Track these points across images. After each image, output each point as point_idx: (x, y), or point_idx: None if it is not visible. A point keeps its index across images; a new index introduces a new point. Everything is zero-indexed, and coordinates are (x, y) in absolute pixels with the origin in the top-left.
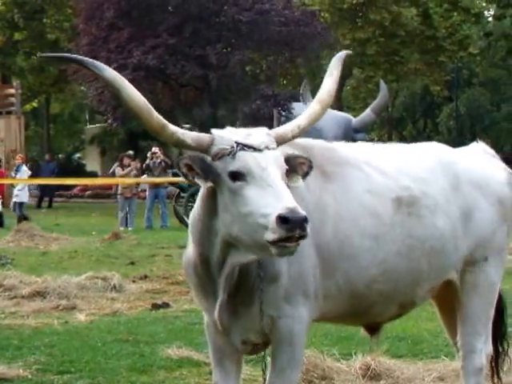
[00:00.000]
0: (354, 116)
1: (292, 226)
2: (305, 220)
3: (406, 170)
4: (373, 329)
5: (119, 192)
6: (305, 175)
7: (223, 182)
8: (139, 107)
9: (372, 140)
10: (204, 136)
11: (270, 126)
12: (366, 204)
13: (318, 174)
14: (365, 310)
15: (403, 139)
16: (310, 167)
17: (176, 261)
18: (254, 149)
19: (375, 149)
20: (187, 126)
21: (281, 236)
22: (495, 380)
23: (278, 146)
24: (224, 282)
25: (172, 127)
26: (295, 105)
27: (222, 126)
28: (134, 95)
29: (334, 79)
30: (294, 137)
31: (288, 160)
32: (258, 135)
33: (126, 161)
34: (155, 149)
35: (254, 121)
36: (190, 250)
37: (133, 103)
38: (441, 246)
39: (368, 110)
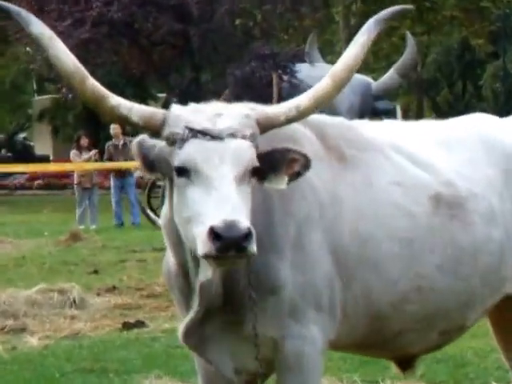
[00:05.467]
0: (375, 79)
1: (224, 244)
2: (244, 238)
3: (448, 160)
4: (405, 363)
5: (76, 181)
6: (294, 176)
7: (173, 175)
8: (68, 71)
9: (395, 109)
10: (157, 113)
11: (268, 95)
12: (395, 199)
13: (333, 159)
14: (391, 338)
15: (436, 106)
16: (305, 167)
17: (152, 267)
18: (212, 137)
19: (407, 129)
20: (162, 95)
21: (210, 253)
22: None
23: (262, 131)
24: (199, 296)
25: (115, 99)
26: (300, 66)
27: (206, 95)
28: (62, 56)
29: (358, 50)
30: (289, 120)
31: (272, 155)
32: (229, 116)
33: (84, 141)
34: (114, 126)
35: (247, 87)
36: (169, 258)
37: (60, 66)
38: (498, 262)
39: (391, 71)
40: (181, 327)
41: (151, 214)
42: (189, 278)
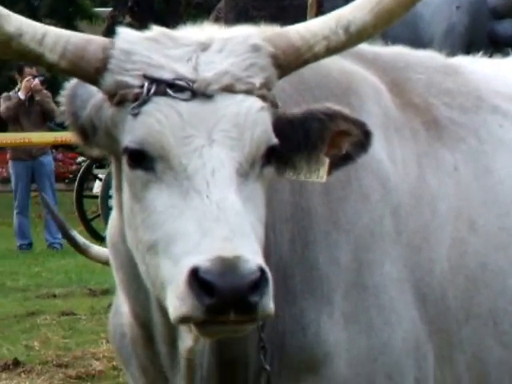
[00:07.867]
0: None
1: (220, 302)
2: (254, 288)
3: None
4: None
5: None
6: (342, 161)
7: (122, 161)
8: None
9: None
10: (91, 46)
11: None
12: None
13: (417, 127)
14: None
15: None
16: (362, 146)
17: (86, 325)
18: (193, 93)
19: None
20: (104, 10)
21: (194, 316)
22: None
23: (283, 73)
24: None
25: (14, 21)
26: None
27: (185, 12)
28: None
29: None
30: (331, 51)
31: (301, 123)
32: (222, 51)
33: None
34: (30, 70)
35: None
36: (122, 307)
37: None
38: None
39: None
40: None
41: (72, 232)
42: (155, 345)
